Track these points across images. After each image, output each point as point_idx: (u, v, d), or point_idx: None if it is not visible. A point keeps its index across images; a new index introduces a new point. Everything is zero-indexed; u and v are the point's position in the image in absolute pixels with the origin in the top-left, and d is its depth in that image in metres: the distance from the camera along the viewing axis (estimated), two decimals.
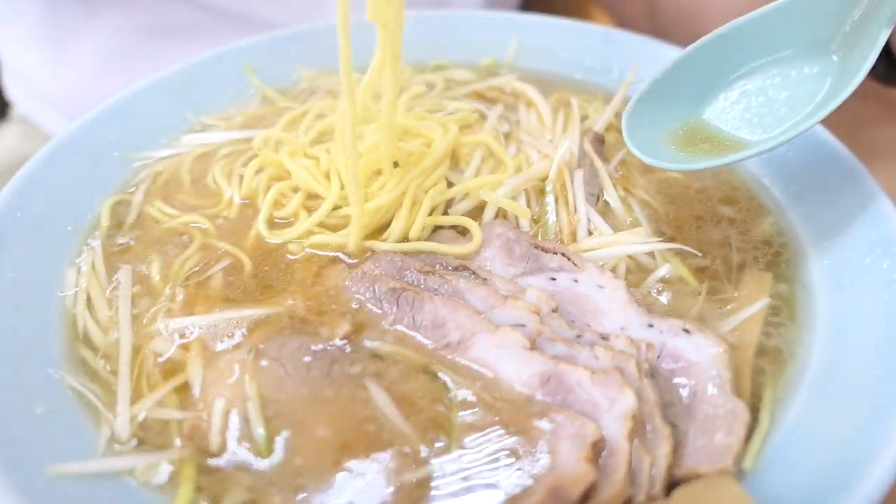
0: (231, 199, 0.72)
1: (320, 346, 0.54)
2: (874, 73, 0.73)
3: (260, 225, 0.67)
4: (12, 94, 1.28)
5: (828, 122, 0.72)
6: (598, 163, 0.72)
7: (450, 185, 0.70)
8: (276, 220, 0.69)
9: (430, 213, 0.67)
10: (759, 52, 0.65)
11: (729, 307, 0.60)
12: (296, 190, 0.71)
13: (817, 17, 0.61)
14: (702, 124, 0.66)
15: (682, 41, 0.85)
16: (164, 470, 0.49)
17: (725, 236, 0.67)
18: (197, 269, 0.64)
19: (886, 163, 0.67)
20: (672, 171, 0.64)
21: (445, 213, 0.68)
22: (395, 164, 0.69)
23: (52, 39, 1.16)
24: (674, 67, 0.66)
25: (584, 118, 0.82)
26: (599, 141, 0.75)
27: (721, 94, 0.66)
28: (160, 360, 0.56)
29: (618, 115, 0.81)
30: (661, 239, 0.66)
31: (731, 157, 0.60)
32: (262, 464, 0.49)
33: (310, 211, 0.68)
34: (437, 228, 0.67)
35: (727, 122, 0.65)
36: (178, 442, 0.51)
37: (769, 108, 0.63)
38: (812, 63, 0.62)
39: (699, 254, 0.65)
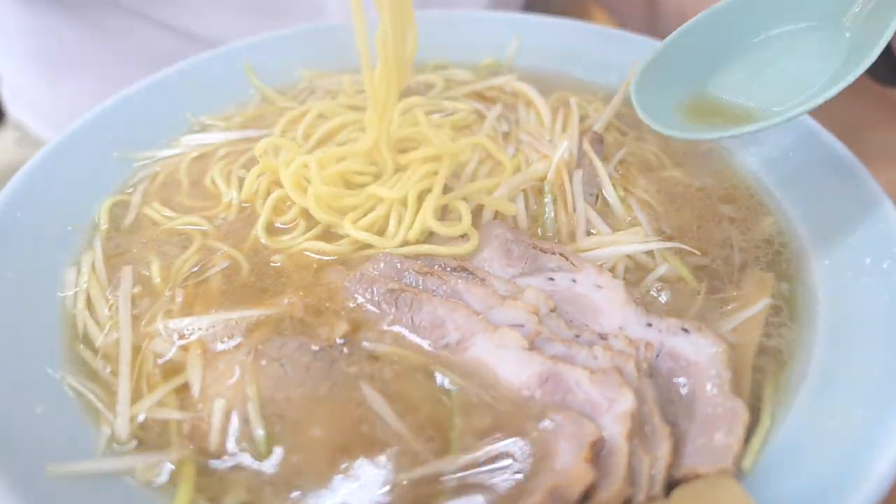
0: (230, 202, 0.72)
1: (319, 347, 0.54)
2: (875, 74, 0.73)
3: (259, 231, 0.67)
4: (9, 106, 1.28)
5: (829, 122, 0.72)
6: (597, 162, 0.72)
7: (447, 189, 0.69)
8: (277, 226, 0.69)
9: None
10: (769, 22, 0.63)
11: (730, 307, 0.60)
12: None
13: None
14: (711, 95, 0.65)
15: None
16: (164, 470, 0.49)
17: (726, 236, 0.67)
18: (196, 269, 0.64)
19: (888, 164, 0.67)
20: (684, 139, 0.61)
21: (441, 217, 0.68)
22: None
23: (52, 64, 1.17)
24: (681, 35, 0.65)
25: (583, 118, 0.82)
26: (599, 141, 0.75)
27: (730, 64, 0.65)
28: (160, 360, 0.56)
29: (618, 115, 0.82)
30: (660, 238, 0.66)
31: (741, 128, 0.58)
32: (261, 464, 0.49)
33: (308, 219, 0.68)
34: (433, 231, 0.67)
35: (736, 93, 0.64)
36: (177, 442, 0.51)
37: (779, 81, 0.61)
38: (823, 38, 0.61)
39: (698, 253, 0.65)
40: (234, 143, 0.81)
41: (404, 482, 0.47)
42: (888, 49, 0.72)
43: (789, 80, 0.61)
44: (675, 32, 0.65)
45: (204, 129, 0.85)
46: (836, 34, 0.61)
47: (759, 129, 0.58)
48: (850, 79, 0.55)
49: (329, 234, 0.67)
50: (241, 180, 0.73)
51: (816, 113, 0.72)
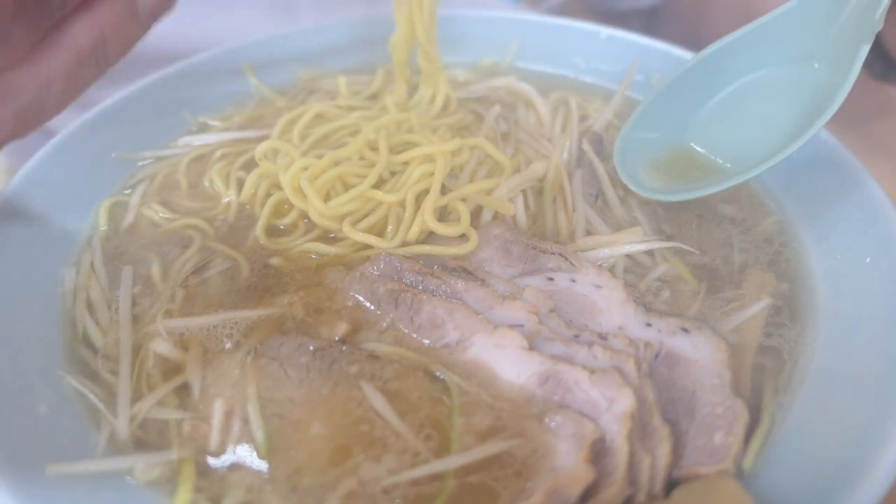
0: (229, 203, 0.72)
1: (319, 347, 0.54)
2: (871, 70, 0.73)
3: (258, 232, 0.67)
4: None
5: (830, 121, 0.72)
6: (596, 162, 0.71)
7: (445, 190, 0.69)
8: (279, 227, 0.69)
9: None
10: (742, 71, 0.65)
11: (730, 307, 0.60)
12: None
13: (797, 33, 0.61)
14: (689, 150, 0.67)
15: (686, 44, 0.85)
16: (164, 470, 0.49)
17: (726, 236, 0.67)
18: (196, 270, 0.64)
19: (883, 157, 0.67)
20: (663, 201, 0.65)
21: (440, 219, 0.68)
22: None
23: None
24: (659, 96, 0.67)
25: (583, 118, 0.82)
26: (598, 141, 0.75)
27: (708, 116, 0.67)
28: (160, 360, 0.56)
29: (617, 115, 0.82)
30: (660, 238, 0.66)
31: (713, 186, 0.61)
32: (261, 464, 0.49)
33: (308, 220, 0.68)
34: (432, 232, 0.67)
35: (713, 146, 0.66)
36: (177, 442, 0.51)
37: (754, 128, 0.63)
38: (796, 76, 0.62)
39: (697, 252, 0.65)
40: (232, 143, 0.80)
41: (404, 482, 0.47)
42: (881, 46, 0.72)
43: (764, 125, 0.62)
44: (651, 95, 0.67)
45: (203, 129, 0.85)
46: (809, 71, 0.62)
47: (730, 186, 0.61)
48: (820, 124, 0.56)
49: (329, 234, 0.68)
50: (240, 181, 0.73)
51: None
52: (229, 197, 0.72)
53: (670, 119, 0.67)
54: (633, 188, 0.65)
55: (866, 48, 0.53)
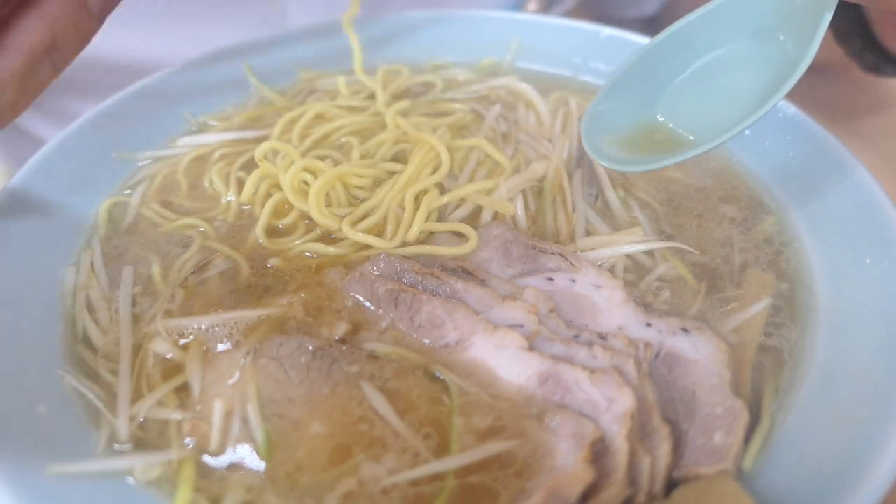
0: (229, 204, 0.72)
1: (319, 346, 0.54)
2: (863, 63, 0.72)
3: (258, 233, 0.67)
4: None
5: (815, 109, 0.72)
6: (596, 163, 0.71)
7: (444, 190, 0.69)
8: (278, 227, 0.69)
9: (426, 219, 0.66)
10: (708, 46, 0.64)
11: (730, 307, 0.60)
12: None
13: (760, 7, 0.60)
14: (657, 124, 0.66)
15: None
16: (164, 470, 0.49)
17: (726, 236, 0.67)
18: (196, 270, 0.64)
19: (872, 147, 0.67)
20: (628, 172, 0.64)
21: (440, 219, 0.68)
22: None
23: None
24: (628, 72, 0.66)
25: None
26: None
27: (675, 91, 0.66)
28: (160, 360, 0.56)
29: None
30: (660, 238, 0.66)
31: (680, 155, 0.59)
32: (261, 464, 0.49)
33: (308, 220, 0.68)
34: (432, 232, 0.67)
35: (683, 121, 0.64)
36: (177, 442, 0.51)
37: (724, 101, 0.62)
38: (764, 50, 0.61)
39: (697, 252, 0.65)
40: (232, 143, 0.80)
41: (404, 482, 0.47)
42: (873, 37, 0.72)
43: (731, 99, 0.61)
44: (619, 70, 0.66)
45: (203, 129, 0.85)
46: (774, 45, 0.61)
47: (693, 155, 0.59)
48: (783, 92, 0.55)
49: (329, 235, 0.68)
50: (240, 181, 0.73)
51: (804, 100, 0.73)
52: (229, 197, 0.72)
53: (638, 95, 0.67)
54: (599, 161, 0.64)
55: (828, 16, 0.53)
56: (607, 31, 0.92)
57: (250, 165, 0.75)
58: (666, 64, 0.66)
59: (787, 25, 0.58)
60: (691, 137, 0.63)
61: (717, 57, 0.64)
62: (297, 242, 0.66)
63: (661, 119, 0.65)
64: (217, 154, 0.79)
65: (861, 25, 0.76)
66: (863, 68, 0.75)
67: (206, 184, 0.75)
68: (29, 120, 1.24)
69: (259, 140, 0.77)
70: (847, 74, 0.94)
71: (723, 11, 0.62)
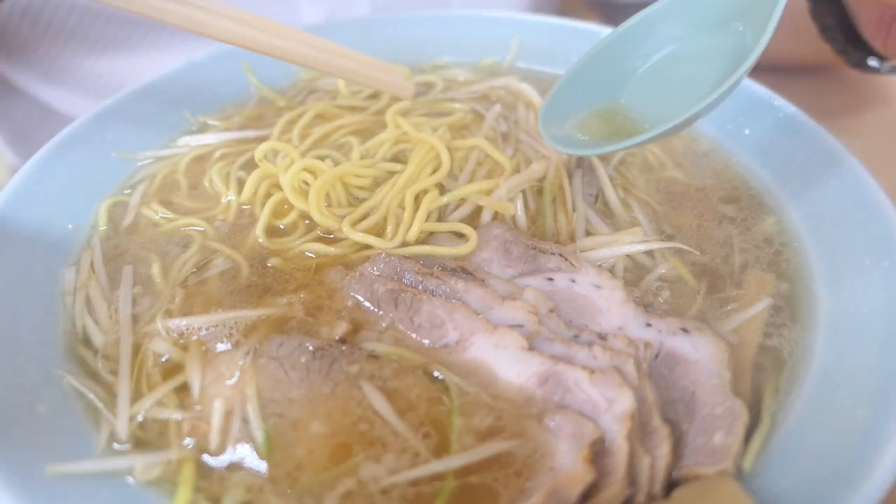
0: (229, 203, 0.72)
1: (319, 346, 0.54)
2: (848, 59, 0.72)
3: (258, 232, 0.67)
4: None
5: (806, 108, 0.72)
6: (596, 163, 0.71)
7: (444, 190, 0.69)
8: (278, 227, 0.69)
9: (426, 219, 0.66)
10: (668, 38, 0.65)
11: (730, 307, 0.60)
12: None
13: None
14: (618, 116, 0.66)
15: None
16: (164, 470, 0.49)
17: (726, 236, 0.67)
18: (195, 270, 0.64)
19: (859, 148, 0.68)
20: (587, 154, 0.64)
21: (440, 219, 0.68)
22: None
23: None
24: (587, 63, 0.66)
25: None
26: None
27: (637, 83, 0.67)
28: (160, 360, 0.56)
29: None
30: (660, 238, 0.66)
31: (630, 141, 0.59)
32: (261, 464, 0.49)
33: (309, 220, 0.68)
34: (432, 232, 0.67)
35: (643, 110, 0.64)
36: (177, 442, 0.51)
37: (686, 92, 0.62)
38: (722, 41, 0.61)
39: (697, 252, 0.65)
40: (232, 143, 0.80)
41: (404, 482, 0.47)
42: (856, 33, 0.72)
43: (692, 90, 0.61)
44: (579, 62, 0.67)
45: (202, 128, 0.85)
46: (732, 33, 0.61)
47: (648, 138, 0.59)
48: (734, 78, 0.55)
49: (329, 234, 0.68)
50: (241, 181, 0.73)
51: (791, 97, 0.73)
52: (229, 197, 0.72)
53: (600, 87, 0.67)
54: (557, 148, 0.64)
55: (783, 2, 0.53)
56: (608, 31, 0.92)
57: (250, 165, 0.75)
58: (627, 56, 0.66)
59: (744, 15, 0.58)
60: (646, 126, 0.63)
61: (678, 48, 0.65)
62: (297, 242, 0.66)
63: (622, 109, 0.66)
64: (217, 154, 0.79)
65: (843, 22, 0.76)
66: (849, 64, 0.75)
67: (206, 184, 0.75)
68: (26, 79, 1.23)
69: (259, 140, 0.77)
70: (837, 74, 0.94)
71: (681, 3, 0.63)
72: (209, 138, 0.81)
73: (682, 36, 0.65)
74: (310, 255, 0.65)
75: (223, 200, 0.72)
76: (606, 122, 0.66)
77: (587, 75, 0.67)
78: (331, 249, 0.65)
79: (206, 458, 0.50)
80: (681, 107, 0.58)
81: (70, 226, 0.69)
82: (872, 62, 0.72)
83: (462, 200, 0.69)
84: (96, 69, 1.08)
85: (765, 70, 0.67)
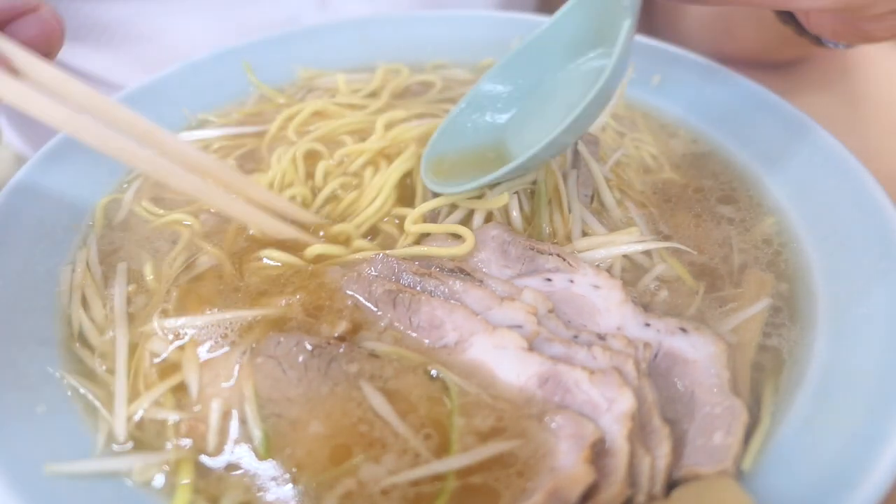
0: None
1: (317, 345, 0.54)
2: (810, 40, 0.74)
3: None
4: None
5: (805, 108, 0.72)
6: (592, 164, 0.71)
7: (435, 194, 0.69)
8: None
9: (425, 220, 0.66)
10: (539, 72, 0.69)
11: (729, 307, 0.60)
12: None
13: (579, 29, 0.65)
14: (501, 147, 0.69)
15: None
16: (162, 470, 0.49)
17: (725, 236, 0.67)
18: (187, 267, 0.63)
19: (859, 148, 0.68)
20: (460, 193, 0.66)
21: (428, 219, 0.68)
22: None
23: None
24: (468, 104, 0.70)
25: None
26: (594, 142, 0.75)
27: (513, 122, 0.70)
28: (156, 360, 0.56)
29: (614, 116, 0.82)
30: (657, 238, 0.66)
31: (491, 175, 0.62)
32: (259, 464, 0.49)
33: None
34: (428, 234, 0.66)
35: (523, 140, 0.66)
36: (175, 442, 0.51)
37: (553, 121, 0.63)
38: (588, 70, 0.64)
39: (695, 252, 0.65)
40: (230, 138, 0.81)
41: (404, 482, 0.47)
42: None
43: (561, 117, 0.62)
44: (459, 105, 0.71)
45: (201, 125, 0.85)
46: (596, 60, 0.65)
47: (507, 171, 0.61)
48: (586, 101, 0.57)
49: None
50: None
51: (791, 97, 0.73)
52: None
53: (478, 126, 0.70)
54: (435, 189, 0.66)
55: (627, 24, 0.55)
56: None
57: (247, 158, 0.75)
58: (500, 96, 0.70)
59: (603, 42, 0.60)
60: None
61: (551, 81, 0.69)
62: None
63: (502, 146, 0.68)
64: (214, 147, 0.79)
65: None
66: (813, 43, 0.76)
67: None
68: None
69: (258, 135, 0.78)
70: (837, 74, 0.95)
71: (548, 39, 0.67)
72: (208, 133, 0.81)
73: (550, 70, 0.68)
74: (270, 262, 0.64)
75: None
76: (488, 160, 0.68)
77: (466, 118, 0.70)
78: (290, 258, 0.63)
79: (204, 458, 0.50)
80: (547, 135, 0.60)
81: (71, 225, 0.69)
82: (829, 42, 0.73)
83: (453, 206, 0.68)
84: (104, 17, 1.06)
85: (764, 69, 0.68)
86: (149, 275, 0.63)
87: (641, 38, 0.90)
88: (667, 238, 0.67)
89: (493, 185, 0.66)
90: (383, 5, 1.08)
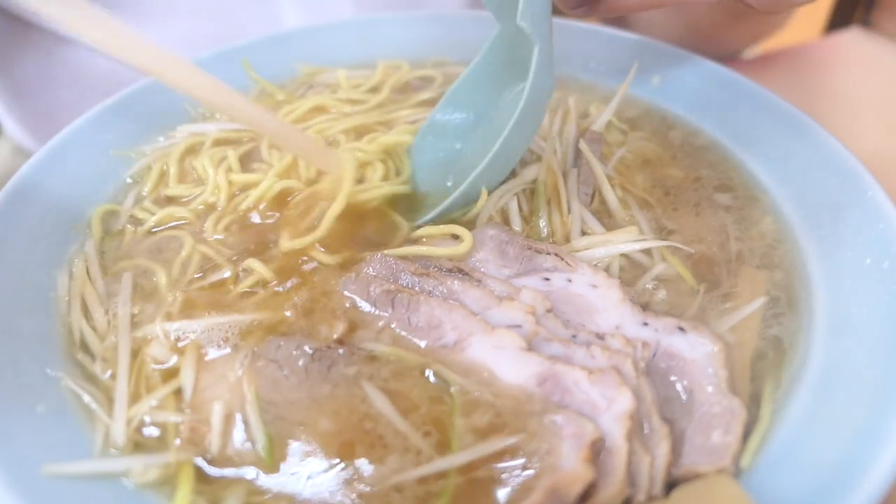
0: (217, 184, 0.72)
1: (317, 348, 0.54)
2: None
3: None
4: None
5: (805, 108, 0.72)
6: (594, 162, 0.71)
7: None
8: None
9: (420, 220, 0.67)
10: (474, 108, 0.74)
11: (727, 306, 0.60)
12: None
13: (499, 70, 0.72)
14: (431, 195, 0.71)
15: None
16: (162, 472, 0.49)
17: (724, 235, 0.67)
18: (201, 274, 0.63)
19: (859, 147, 0.69)
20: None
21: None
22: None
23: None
24: (416, 147, 0.75)
25: (584, 115, 0.82)
26: (597, 141, 0.75)
27: (463, 153, 0.74)
28: (158, 365, 0.56)
29: (617, 115, 0.82)
30: (658, 236, 0.66)
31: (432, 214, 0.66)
32: (260, 466, 0.49)
33: None
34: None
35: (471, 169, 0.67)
36: (176, 444, 0.51)
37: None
38: (513, 106, 0.65)
39: (693, 251, 0.65)
40: (228, 132, 0.81)
41: (405, 481, 0.47)
42: None
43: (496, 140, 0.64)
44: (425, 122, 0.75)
45: (203, 120, 0.85)
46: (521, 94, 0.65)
47: (436, 214, 0.65)
48: (504, 134, 0.61)
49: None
50: (231, 168, 0.74)
51: (790, 97, 0.74)
52: (214, 181, 0.73)
53: (435, 166, 0.74)
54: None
55: (537, 49, 0.58)
56: (607, 31, 0.92)
57: (245, 155, 0.75)
58: (446, 133, 0.74)
59: (525, 74, 0.61)
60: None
61: (494, 110, 0.73)
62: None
63: (449, 183, 0.71)
64: (212, 139, 0.79)
65: None
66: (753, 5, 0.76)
67: (198, 167, 0.75)
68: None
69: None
70: (837, 74, 0.94)
71: (477, 74, 0.73)
72: (207, 127, 0.82)
73: (491, 98, 0.73)
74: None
75: (209, 182, 0.73)
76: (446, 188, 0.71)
77: (422, 157, 0.74)
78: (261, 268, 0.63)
79: (204, 460, 0.50)
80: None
81: (71, 226, 0.69)
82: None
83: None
84: None
85: (760, 68, 0.67)
86: (150, 280, 0.63)
87: (642, 39, 0.90)
88: (670, 233, 0.67)
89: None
90: (365, 7, 1.08)
